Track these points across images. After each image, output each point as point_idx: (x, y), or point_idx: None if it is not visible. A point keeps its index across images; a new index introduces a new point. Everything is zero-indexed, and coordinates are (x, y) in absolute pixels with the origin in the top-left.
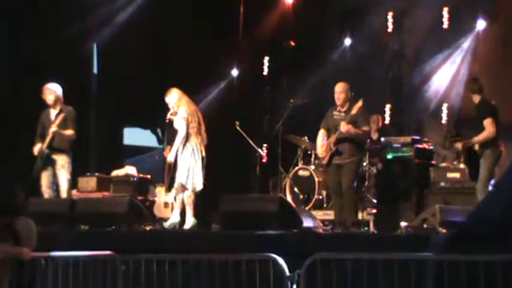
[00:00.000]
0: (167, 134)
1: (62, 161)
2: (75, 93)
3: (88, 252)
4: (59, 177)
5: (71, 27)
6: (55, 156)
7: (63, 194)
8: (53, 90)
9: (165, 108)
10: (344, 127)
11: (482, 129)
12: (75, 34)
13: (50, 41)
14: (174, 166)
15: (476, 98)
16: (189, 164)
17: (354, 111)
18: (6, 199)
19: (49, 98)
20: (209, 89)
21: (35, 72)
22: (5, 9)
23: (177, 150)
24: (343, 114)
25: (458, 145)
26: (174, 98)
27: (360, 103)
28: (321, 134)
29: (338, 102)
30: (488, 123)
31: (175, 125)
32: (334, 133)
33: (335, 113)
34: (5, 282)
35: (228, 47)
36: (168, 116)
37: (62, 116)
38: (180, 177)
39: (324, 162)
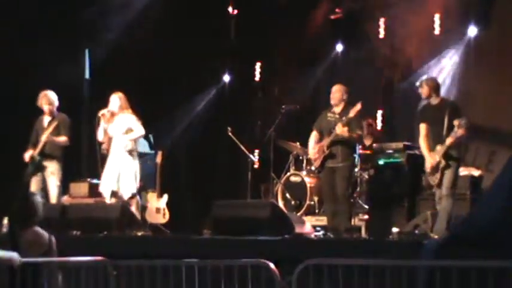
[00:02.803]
0: (97, 128)
1: (52, 168)
2: (67, 99)
3: (79, 257)
4: (48, 183)
5: (63, 32)
6: (46, 163)
7: (53, 200)
8: (48, 98)
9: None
10: (340, 129)
11: (449, 131)
12: (67, 39)
13: (43, 45)
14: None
15: (436, 98)
16: (134, 168)
17: (351, 114)
18: (19, 207)
19: (44, 105)
20: (201, 94)
21: (28, 77)
22: (1, 14)
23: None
24: (337, 116)
25: (440, 148)
26: (123, 102)
27: (358, 106)
28: (313, 135)
29: (332, 101)
30: (458, 124)
31: (127, 124)
32: (328, 135)
33: (329, 114)
34: None
35: (220, 52)
36: (105, 112)
37: (55, 123)
38: (132, 184)
39: (316, 165)
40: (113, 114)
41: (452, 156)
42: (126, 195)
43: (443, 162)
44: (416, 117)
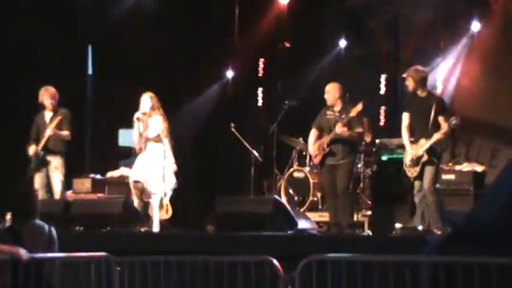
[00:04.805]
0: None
1: (56, 163)
2: (70, 95)
3: (83, 253)
4: (52, 178)
5: (66, 28)
6: (49, 158)
7: (57, 195)
8: (50, 92)
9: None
10: (339, 129)
11: (434, 125)
12: (70, 35)
13: (45, 41)
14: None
15: (422, 91)
16: (162, 167)
17: (353, 113)
18: (22, 202)
19: (46, 100)
20: (204, 90)
21: (30, 73)
22: (1, 10)
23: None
24: (337, 114)
25: (425, 142)
26: (154, 102)
27: (360, 107)
28: (313, 133)
29: (328, 102)
30: (444, 120)
31: (157, 129)
32: (328, 133)
33: (328, 112)
34: None
35: (224, 48)
36: (140, 115)
37: (58, 118)
38: (157, 180)
39: (316, 162)
40: (144, 114)
41: (435, 152)
42: (151, 192)
43: (425, 157)
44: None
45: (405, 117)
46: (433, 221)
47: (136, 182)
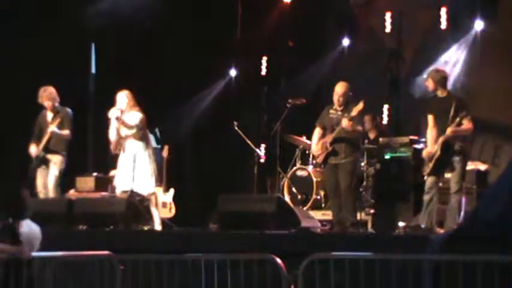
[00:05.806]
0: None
1: (55, 159)
2: (73, 94)
3: (86, 252)
4: (48, 173)
5: (69, 27)
6: (49, 156)
7: (50, 192)
8: (48, 93)
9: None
10: (345, 122)
11: (453, 124)
12: (73, 34)
13: (48, 41)
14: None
15: (442, 92)
16: (151, 166)
17: (354, 113)
18: (13, 201)
19: (45, 102)
20: (207, 89)
21: (33, 72)
22: (4, 9)
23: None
24: (339, 113)
25: (441, 139)
26: (130, 100)
27: (361, 106)
28: (317, 132)
29: (338, 103)
30: (469, 120)
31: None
32: (331, 132)
33: (331, 111)
34: None
35: (227, 46)
36: (119, 112)
37: (59, 118)
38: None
39: (319, 160)
40: (121, 112)
41: (456, 151)
42: (143, 193)
43: (438, 153)
44: (424, 109)
45: (430, 119)
46: (450, 220)
47: (125, 191)
